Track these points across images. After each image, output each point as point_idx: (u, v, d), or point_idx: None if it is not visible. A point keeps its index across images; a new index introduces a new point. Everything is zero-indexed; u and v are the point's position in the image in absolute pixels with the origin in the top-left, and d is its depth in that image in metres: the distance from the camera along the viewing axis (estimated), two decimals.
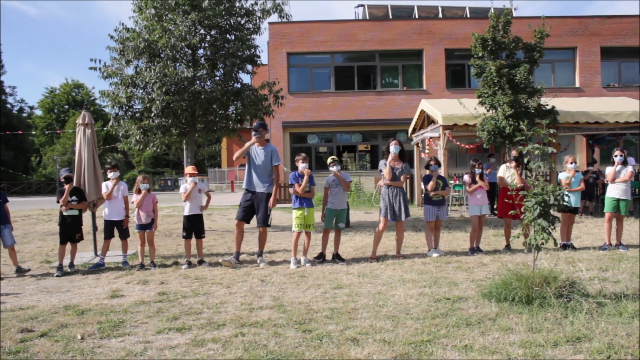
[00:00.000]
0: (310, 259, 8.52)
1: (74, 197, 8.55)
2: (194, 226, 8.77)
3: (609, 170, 9.27)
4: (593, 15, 25.79)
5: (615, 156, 9.19)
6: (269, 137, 25.31)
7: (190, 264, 8.49)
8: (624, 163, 9.20)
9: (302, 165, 8.53)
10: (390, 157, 8.63)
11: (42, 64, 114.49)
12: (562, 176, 9.39)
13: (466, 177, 9.33)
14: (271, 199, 8.53)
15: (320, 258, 8.62)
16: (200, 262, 8.63)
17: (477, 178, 9.16)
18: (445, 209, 9.17)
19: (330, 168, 8.74)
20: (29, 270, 8.45)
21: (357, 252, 9.29)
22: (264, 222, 8.54)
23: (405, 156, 8.94)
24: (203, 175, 47.43)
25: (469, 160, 9.60)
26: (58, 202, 8.48)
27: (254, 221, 8.76)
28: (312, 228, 8.53)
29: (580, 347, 4.28)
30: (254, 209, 8.60)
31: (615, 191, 9.11)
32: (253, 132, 8.61)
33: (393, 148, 8.63)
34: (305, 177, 8.39)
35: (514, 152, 9.42)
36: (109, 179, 8.90)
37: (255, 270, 7.94)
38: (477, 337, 4.56)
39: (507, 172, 9.41)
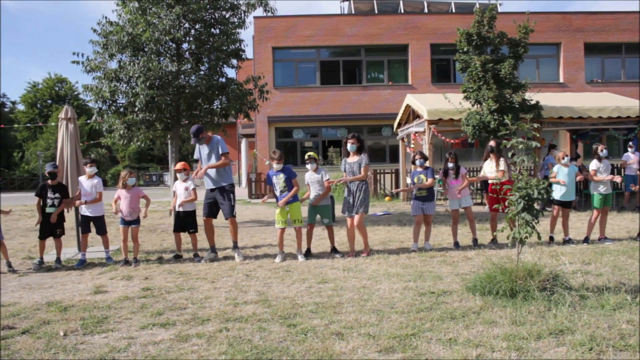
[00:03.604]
0: (297, 253, 8.48)
1: (56, 195, 8.41)
2: (182, 220, 8.76)
3: (594, 167, 9.15)
4: (577, 11, 26.04)
5: (601, 151, 9.17)
6: (254, 131, 25.25)
7: (177, 257, 8.50)
8: (607, 158, 9.23)
9: (275, 166, 8.41)
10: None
11: (24, 58, 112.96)
12: (555, 169, 9.10)
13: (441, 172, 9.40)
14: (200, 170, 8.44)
15: (307, 254, 8.60)
16: (195, 256, 8.65)
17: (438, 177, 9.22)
18: (432, 204, 9.18)
19: (307, 166, 8.72)
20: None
21: (343, 247, 9.28)
22: (231, 213, 8.53)
23: (363, 149, 8.54)
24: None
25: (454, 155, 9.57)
26: (36, 195, 8.40)
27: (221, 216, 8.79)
28: (300, 223, 8.44)
29: (563, 339, 4.32)
30: (216, 204, 8.61)
31: (601, 187, 9.09)
32: (194, 141, 8.57)
33: (350, 147, 8.44)
34: (288, 197, 8.32)
35: (492, 143, 9.40)
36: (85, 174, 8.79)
37: (240, 265, 7.92)
38: (461, 331, 4.58)
39: (488, 166, 9.42)
